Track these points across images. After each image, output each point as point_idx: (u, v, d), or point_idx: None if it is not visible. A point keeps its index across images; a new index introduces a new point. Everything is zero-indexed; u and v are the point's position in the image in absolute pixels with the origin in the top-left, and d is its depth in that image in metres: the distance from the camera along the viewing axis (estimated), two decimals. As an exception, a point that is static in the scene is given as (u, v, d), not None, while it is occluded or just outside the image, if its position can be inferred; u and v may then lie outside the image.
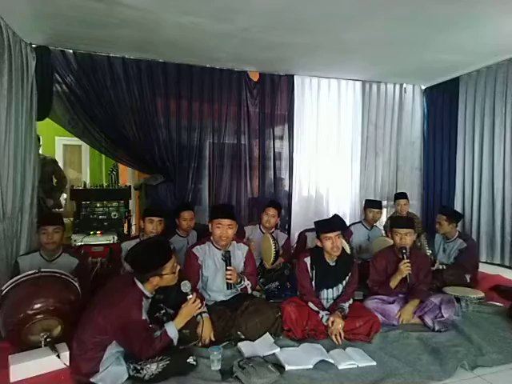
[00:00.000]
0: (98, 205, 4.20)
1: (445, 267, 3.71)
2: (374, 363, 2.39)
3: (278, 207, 4.03)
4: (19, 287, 2.48)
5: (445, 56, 4.33)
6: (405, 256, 3.01)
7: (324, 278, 2.87)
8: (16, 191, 3.37)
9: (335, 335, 2.63)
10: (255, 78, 5.01)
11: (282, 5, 3.11)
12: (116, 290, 2.22)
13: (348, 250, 3.49)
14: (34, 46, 3.87)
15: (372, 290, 3.20)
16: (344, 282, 2.89)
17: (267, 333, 2.65)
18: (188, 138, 4.76)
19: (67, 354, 2.24)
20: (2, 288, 2.51)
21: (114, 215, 4.23)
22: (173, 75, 4.61)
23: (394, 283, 3.05)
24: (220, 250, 2.86)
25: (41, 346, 2.34)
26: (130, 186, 4.79)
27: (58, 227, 3.10)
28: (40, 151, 4.62)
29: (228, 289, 2.77)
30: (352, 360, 2.38)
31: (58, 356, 2.23)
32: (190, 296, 2.31)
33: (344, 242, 3.57)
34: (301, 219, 5.14)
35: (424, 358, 2.45)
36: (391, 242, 3.29)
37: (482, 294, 3.36)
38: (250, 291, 2.89)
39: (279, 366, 2.30)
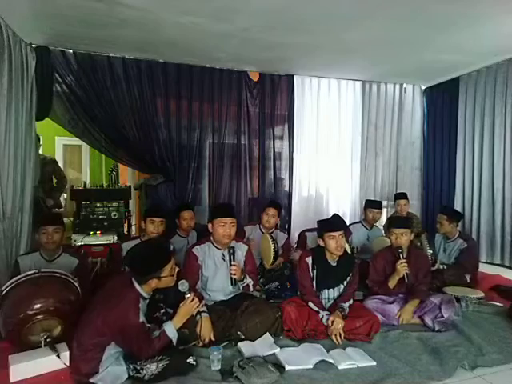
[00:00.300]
0: (98, 205, 4.20)
1: (445, 267, 3.71)
2: (374, 363, 2.39)
3: (277, 207, 4.03)
4: (19, 287, 2.48)
5: (445, 56, 4.33)
6: (401, 256, 3.02)
7: (325, 278, 2.87)
8: (16, 191, 3.37)
9: (335, 335, 2.63)
10: (255, 78, 5.01)
11: (282, 5, 3.11)
12: (114, 292, 2.21)
13: (348, 250, 3.49)
14: (34, 45, 3.87)
15: (371, 290, 3.20)
16: (345, 282, 2.89)
17: (267, 333, 2.65)
18: (188, 138, 4.76)
19: (67, 354, 2.24)
20: (2, 288, 2.51)
21: (114, 215, 4.23)
22: (173, 75, 4.61)
23: (392, 283, 3.05)
24: (220, 249, 2.86)
25: (41, 346, 2.34)
26: (130, 186, 4.79)
27: (58, 227, 3.09)
28: (40, 151, 4.63)
29: (232, 285, 2.76)
30: (352, 360, 2.38)
31: (58, 356, 2.23)
32: (188, 295, 2.31)
33: (344, 242, 3.58)
34: (301, 219, 5.15)
35: (424, 358, 2.45)
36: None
37: (481, 294, 3.36)
38: (251, 289, 2.88)
39: (279, 366, 2.30)
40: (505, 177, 4.48)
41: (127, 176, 6.22)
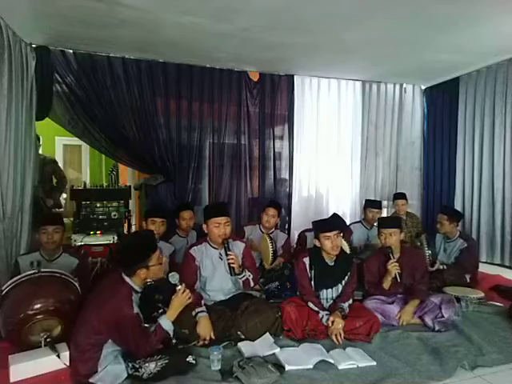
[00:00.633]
0: (98, 205, 4.20)
1: (445, 267, 3.71)
2: (374, 363, 2.39)
3: (277, 207, 4.03)
4: (19, 287, 2.48)
5: (445, 56, 4.33)
6: (391, 256, 3.02)
7: (323, 278, 2.87)
8: (16, 191, 3.38)
9: (335, 335, 2.63)
10: (255, 78, 5.01)
11: (282, 5, 3.11)
12: (105, 289, 2.23)
13: (348, 250, 3.49)
14: (34, 46, 3.87)
15: (368, 291, 3.20)
16: (343, 282, 2.89)
17: (267, 333, 2.65)
18: (188, 138, 4.76)
19: (67, 354, 2.24)
20: (2, 288, 2.51)
21: (114, 215, 4.22)
22: (173, 75, 4.61)
23: (386, 284, 3.05)
24: (217, 249, 2.86)
25: (41, 346, 2.34)
26: (130, 186, 4.79)
27: (58, 227, 3.10)
28: (40, 151, 4.63)
29: (232, 275, 2.74)
30: (352, 360, 2.38)
31: (58, 356, 2.23)
32: (179, 287, 2.33)
33: (343, 241, 3.58)
34: (301, 219, 5.15)
35: (424, 358, 2.45)
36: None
37: (481, 294, 3.36)
38: (252, 284, 2.87)
39: (279, 366, 2.30)
40: (505, 177, 4.48)
41: (127, 176, 6.22)
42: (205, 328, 2.55)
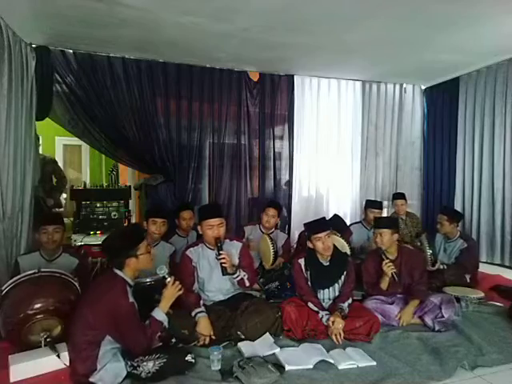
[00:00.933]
0: (98, 205, 4.21)
1: (445, 267, 3.71)
2: (374, 363, 2.39)
3: (277, 207, 4.03)
4: (19, 287, 2.49)
5: (445, 56, 4.33)
6: (383, 256, 3.02)
7: (319, 279, 2.88)
8: (16, 191, 3.37)
9: (335, 335, 2.63)
10: (255, 78, 5.00)
11: (282, 5, 3.11)
12: (99, 285, 2.26)
13: (348, 250, 3.49)
14: (34, 46, 3.87)
15: (367, 292, 3.20)
16: (340, 282, 2.89)
17: (267, 333, 2.65)
18: (188, 138, 4.75)
19: (67, 353, 2.24)
20: (2, 288, 2.51)
21: (114, 215, 4.23)
22: (173, 75, 4.61)
23: (384, 285, 3.05)
24: (213, 250, 2.85)
25: (41, 346, 2.34)
26: (130, 186, 4.79)
27: (59, 227, 3.10)
28: (40, 151, 4.63)
29: (224, 275, 2.71)
30: (352, 360, 2.38)
31: (58, 356, 2.22)
32: (169, 279, 2.35)
33: (343, 242, 3.58)
34: (301, 219, 5.12)
35: (424, 358, 2.45)
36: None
37: (481, 294, 3.36)
38: (247, 283, 2.83)
39: (279, 366, 2.30)
40: (505, 177, 4.48)
41: (127, 176, 6.22)
42: (204, 328, 2.55)
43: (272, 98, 5.07)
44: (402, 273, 3.07)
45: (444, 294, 3.12)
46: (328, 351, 2.48)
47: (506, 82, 4.42)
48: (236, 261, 2.88)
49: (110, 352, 2.13)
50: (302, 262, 2.91)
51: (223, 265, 2.67)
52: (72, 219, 4.34)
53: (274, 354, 2.46)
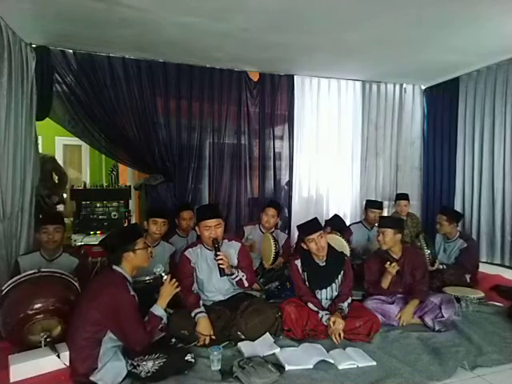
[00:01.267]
0: (98, 205, 4.21)
1: (445, 267, 3.71)
2: (374, 363, 2.39)
3: (277, 207, 4.03)
4: (19, 287, 2.48)
5: (445, 56, 4.33)
6: (388, 256, 3.05)
7: (316, 279, 2.88)
8: (15, 191, 3.37)
9: (335, 335, 2.62)
10: (255, 78, 5.00)
11: (282, 5, 3.11)
12: (98, 282, 2.30)
13: (347, 250, 3.49)
14: (33, 46, 3.87)
15: (367, 291, 3.20)
16: (337, 282, 2.89)
17: (267, 333, 2.65)
18: (188, 138, 4.75)
19: (67, 353, 2.23)
20: (2, 288, 2.51)
21: (114, 215, 4.23)
22: (173, 75, 4.61)
23: (385, 284, 3.06)
24: (211, 250, 2.83)
25: (41, 346, 2.34)
26: (130, 186, 4.80)
27: (59, 226, 3.10)
28: (39, 151, 4.63)
29: (221, 276, 2.70)
30: (352, 360, 2.38)
31: (58, 356, 2.22)
32: (165, 277, 2.40)
33: (343, 241, 3.58)
34: (301, 219, 5.10)
35: (424, 358, 2.45)
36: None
37: (481, 294, 3.36)
38: (246, 284, 2.83)
39: (279, 366, 2.30)
40: (505, 177, 4.48)
41: (127, 176, 6.22)
42: (204, 328, 2.55)
43: (272, 98, 5.07)
44: (404, 272, 3.08)
45: (444, 294, 3.13)
46: (328, 351, 2.48)
47: (506, 82, 4.42)
48: (234, 261, 2.88)
49: (110, 350, 2.13)
50: (298, 262, 2.92)
51: (221, 266, 2.67)
52: (72, 219, 4.34)
53: (273, 354, 2.46)
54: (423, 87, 5.75)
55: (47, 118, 4.18)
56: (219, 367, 2.28)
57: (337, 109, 5.38)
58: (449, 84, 5.26)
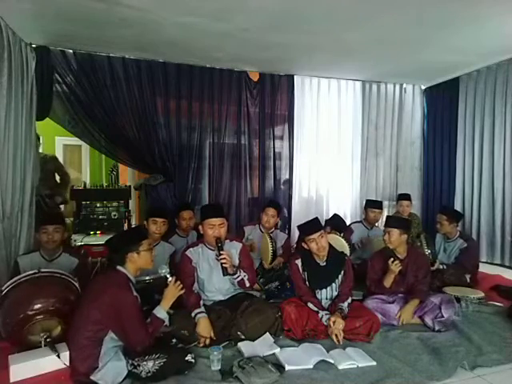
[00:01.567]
0: (98, 205, 4.20)
1: (445, 267, 3.71)
2: (374, 363, 2.39)
3: (277, 207, 4.02)
4: (19, 287, 2.48)
5: (445, 56, 4.33)
6: (393, 255, 3.05)
7: (316, 279, 2.88)
8: (15, 191, 3.37)
9: (335, 335, 2.62)
10: (255, 78, 5.00)
11: (282, 5, 3.11)
12: (101, 282, 2.29)
13: (347, 250, 3.49)
14: (33, 46, 3.87)
15: (369, 289, 3.20)
16: (337, 281, 2.89)
17: (267, 333, 2.65)
18: (188, 137, 4.75)
19: (67, 353, 2.23)
20: (2, 288, 2.51)
21: (114, 215, 4.22)
22: (173, 75, 4.61)
23: (387, 282, 3.06)
24: (213, 250, 2.84)
25: (41, 346, 2.34)
26: (130, 186, 4.79)
27: (59, 226, 3.10)
28: (40, 150, 4.64)
29: (224, 275, 2.71)
30: (352, 360, 2.38)
31: (58, 356, 2.22)
32: (170, 278, 2.39)
33: (343, 241, 3.58)
34: (301, 219, 5.10)
35: (424, 358, 2.45)
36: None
37: (481, 294, 3.36)
38: (247, 284, 2.83)
39: (279, 366, 2.30)
40: (505, 177, 4.48)
41: (127, 176, 6.22)
42: (204, 328, 2.55)
43: (272, 98, 5.07)
44: (407, 273, 3.08)
45: (444, 294, 3.13)
46: (328, 351, 2.48)
47: (506, 82, 4.42)
48: (236, 261, 2.88)
49: (111, 350, 2.13)
50: (298, 262, 2.91)
51: (224, 265, 2.67)
52: (72, 219, 4.34)
53: (273, 353, 2.46)
54: (423, 87, 5.75)
55: (47, 118, 4.18)
56: (219, 367, 2.28)
57: (337, 109, 5.38)
58: (449, 84, 5.26)
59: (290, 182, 5.21)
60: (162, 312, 2.29)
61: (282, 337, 2.69)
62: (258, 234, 3.97)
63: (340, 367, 2.33)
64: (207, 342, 2.54)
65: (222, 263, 2.67)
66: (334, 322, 2.63)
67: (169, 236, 3.72)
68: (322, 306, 2.84)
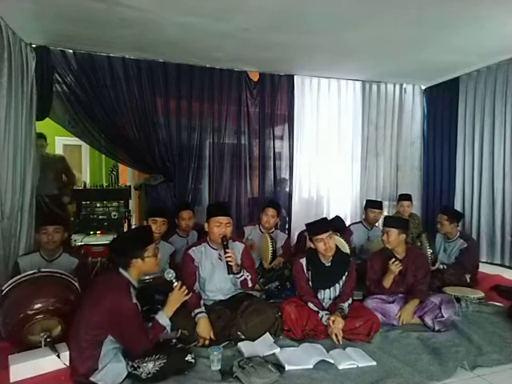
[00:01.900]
0: (98, 205, 4.20)
1: (445, 267, 3.71)
2: (374, 363, 2.38)
3: (277, 207, 4.02)
4: (19, 287, 2.48)
5: (445, 56, 4.33)
6: (393, 255, 3.05)
7: (320, 279, 2.87)
8: (15, 191, 3.37)
9: (335, 335, 2.62)
10: (255, 78, 5.01)
11: (282, 5, 3.11)
12: (102, 284, 2.25)
13: (347, 250, 3.49)
14: (34, 46, 3.87)
15: (369, 289, 3.20)
16: (341, 282, 2.89)
17: (267, 333, 2.65)
18: (188, 137, 4.76)
19: (67, 353, 2.23)
20: (2, 288, 2.51)
21: (114, 215, 4.22)
22: (173, 75, 4.61)
23: (387, 283, 3.06)
24: (216, 250, 2.85)
25: (41, 346, 2.34)
26: (130, 186, 4.79)
27: (59, 227, 3.10)
28: (47, 150, 4.69)
29: (229, 273, 2.71)
30: (352, 360, 2.38)
31: (58, 356, 2.22)
32: (175, 284, 2.34)
33: (343, 241, 3.58)
34: (301, 219, 5.12)
35: (424, 358, 2.45)
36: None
37: (481, 294, 3.36)
38: (250, 284, 2.84)
39: (279, 366, 2.30)
40: (505, 177, 4.48)
41: (127, 176, 6.22)
42: (204, 329, 2.55)
43: (272, 98, 5.07)
44: (407, 273, 3.08)
45: (444, 294, 3.13)
46: (328, 351, 2.48)
47: (506, 82, 4.42)
48: (239, 262, 2.88)
49: (111, 352, 2.13)
50: (303, 261, 2.89)
51: (229, 263, 2.67)
52: (72, 219, 4.34)
53: (273, 353, 2.46)
54: (423, 87, 5.75)
55: (47, 118, 4.18)
56: (219, 367, 2.28)
57: (337, 109, 5.38)
58: (449, 84, 5.26)
59: (290, 181, 5.21)
60: (164, 318, 2.25)
61: (282, 337, 2.69)
62: (258, 234, 3.97)
63: (340, 367, 2.33)
64: (206, 342, 2.54)
65: (227, 261, 2.67)
66: (333, 322, 2.63)
67: (169, 236, 3.72)
68: (322, 306, 2.84)
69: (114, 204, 4.27)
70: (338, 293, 2.89)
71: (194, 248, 2.88)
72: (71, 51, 4.15)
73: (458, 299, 3.23)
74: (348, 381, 2.21)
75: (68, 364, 2.21)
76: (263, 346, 2.53)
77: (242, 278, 2.80)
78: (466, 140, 5.01)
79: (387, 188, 5.66)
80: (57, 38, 3.85)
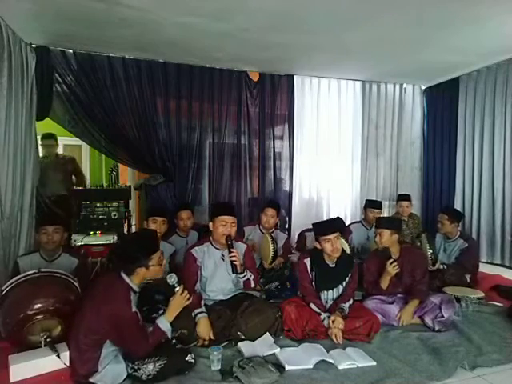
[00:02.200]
0: (98, 205, 4.20)
1: (445, 267, 3.71)
2: (374, 363, 2.38)
3: (276, 207, 4.01)
4: (19, 287, 2.48)
5: (445, 56, 4.33)
6: (390, 256, 3.04)
7: (324, 280, 2.87)
8: (15, 191, 3.37)
9: (335, 335, 2.62)
10: (255, 78, 5.00)
11: (282, 5, 3.11)
12: (103, 288, 2.21)
13: (348, 250, 3.49)
14: (34, 46, 3.87)
15: (366, 290, 3.20)
16: (344, 283, 2.89)
17: (267, 333, 2.65)
18: (188, 137, 4.76)
19: (67, 353, 2.23)
20: (2, 288, 2.51)
21: (114, 215, 4.22)
22: (173, 75, 4.61)
23: (384, 284, 3.05)
24: (219, 249, 2.85)
25: (41, 346, 2.34)
26: (130, 186, 4.79)
27: (58, 227, 3.10)
28: (58, 151, 4.76)
29: (233, 272, 2.71)
30: (352, 360, 2.38)
31: (58, 356, 2.22)
32: (178, 288, 2.31)
33: (343, 241, 3.58)
34: (301, 219, 5.14)
35: (424, 358, 2.45)
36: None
37: (481, 294, 3.36)
38: (252, 285, 2.85)
39: (279, 366, 2.30)
40: (505, 177, 4.48)
41: (127, 176, 6.22)
42: (204, 329, 2.55)
43: (272, 98, 5.07)
44: (403, 273, 3.08)
45: (444, 294, 3.13)
46: (328, 351, 2.48)
47: (506, 82, 4.42)
48: (242, 261, 2.89)
49: (111, 354, 2.13)
50: (307, 261, 2.88)
51: (234, 262, 2.67)
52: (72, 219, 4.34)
53: (273, 353, 2.46)
54: (423, 87, 5.75)
55: (47, 118, 4.18)
56: (219, 367, 2.28)
57: (337, 109, 5.38)
58: (449, 84, 5.26)
59: (290, 182, 5.21)
60: (165, 323, 2.23)
61: (282, 337, 2.69)
62: (258, 235, 3.96)
63: (340, 367, 2.33)
64: (206, 342, 2.54)
65: (232, 261, 2.67)
66: (333, 321, 2.63)
67: (169, 236, 3.71)
68: (324, 307, 2.83)
69: (114, 204, 4.26)
70: (340, 294, 2.88)
71: (196, 248, 2.88)
72: (71, 51, 4.15)
73: (458, 299, 3.23)
74: (348, 381, 2.21)
75: (68, 364, 2.20)
76: (263, 346, 2.53)
77: (245, 279, 2.80)
78: (466, 140, 5.01)
79: (387, 188, 5.66)
80: (57, 37, 3.85)
